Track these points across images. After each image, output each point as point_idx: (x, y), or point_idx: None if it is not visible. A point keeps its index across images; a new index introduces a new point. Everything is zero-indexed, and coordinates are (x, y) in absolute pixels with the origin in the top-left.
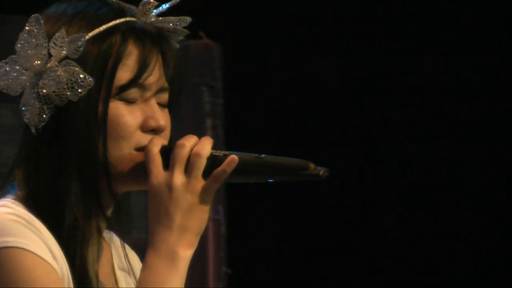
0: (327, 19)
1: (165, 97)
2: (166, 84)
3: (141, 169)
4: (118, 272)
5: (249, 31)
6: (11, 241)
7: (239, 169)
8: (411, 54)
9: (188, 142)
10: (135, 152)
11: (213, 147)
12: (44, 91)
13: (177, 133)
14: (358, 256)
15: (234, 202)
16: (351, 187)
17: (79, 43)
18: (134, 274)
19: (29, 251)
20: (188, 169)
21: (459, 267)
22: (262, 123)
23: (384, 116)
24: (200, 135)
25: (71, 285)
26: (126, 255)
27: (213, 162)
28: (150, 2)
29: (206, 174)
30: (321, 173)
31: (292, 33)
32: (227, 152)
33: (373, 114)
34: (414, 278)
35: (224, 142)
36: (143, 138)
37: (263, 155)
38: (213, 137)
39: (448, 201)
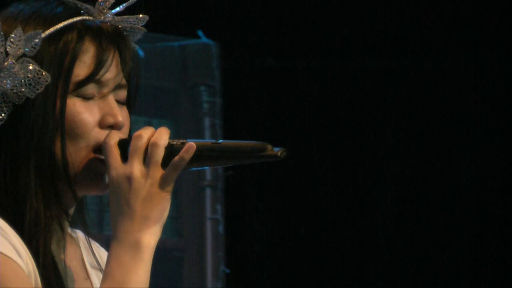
0: (325, 18)
1: (123, 94)
2: (123, 81)
3: (98, 170)
4: (90, 269)
5: (247, 30)
6: None
7: (197, 155)
8: (407, 54)
9: (145, 133)
10: (92, 154)
11: (170, 137)
12: (1, 89)
13: (176, 132)
14: (357, 254)
15: (232, 202)
16: (349, 186)
17: (36, 40)
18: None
19: None
20: (146, 159)
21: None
22: (260, 122)
23: (382, 113)
24: (198, 134)
25: (39, 281)
26: (93, 251)
27: (171, 151)
28: (107, 1)
29: (165, 163)
30: (279, 153)
31: (290, 32)
32: (184, 141)
33: (371, 112)
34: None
35: None
36: (101, 135)
37: (220, 141)
38: (211, 136)
39: (447, 199)
